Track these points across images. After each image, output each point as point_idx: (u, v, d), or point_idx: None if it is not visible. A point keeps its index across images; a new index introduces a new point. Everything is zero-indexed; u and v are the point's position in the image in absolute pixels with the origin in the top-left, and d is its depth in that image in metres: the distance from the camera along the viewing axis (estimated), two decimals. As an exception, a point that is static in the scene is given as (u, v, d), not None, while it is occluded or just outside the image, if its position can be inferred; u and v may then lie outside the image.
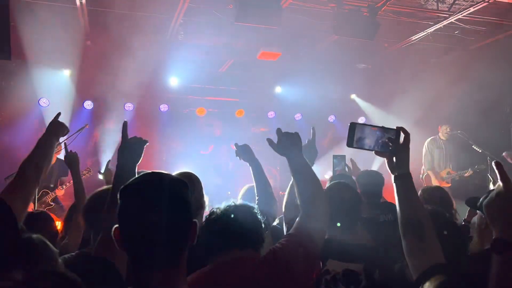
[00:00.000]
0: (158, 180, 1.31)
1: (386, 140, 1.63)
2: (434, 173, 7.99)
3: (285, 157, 2.02)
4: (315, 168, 2.05)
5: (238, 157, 2.82)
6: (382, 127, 1.67)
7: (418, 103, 9.06)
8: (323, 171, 7.12)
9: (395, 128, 1.65)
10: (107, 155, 8.50)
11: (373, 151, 1.66)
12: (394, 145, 1.62)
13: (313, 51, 8.18)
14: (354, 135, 1.67)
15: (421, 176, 8.14)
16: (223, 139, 9.67)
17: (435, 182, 7.86)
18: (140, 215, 1.24)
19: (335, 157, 3.65)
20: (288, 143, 2.03)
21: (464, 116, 8.36)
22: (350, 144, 1.67)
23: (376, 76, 9.32)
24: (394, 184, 1.63)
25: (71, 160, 3.38)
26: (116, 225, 1.28)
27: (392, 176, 1.63)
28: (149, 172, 1.38)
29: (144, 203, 1.26)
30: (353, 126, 1.67)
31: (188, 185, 1.34)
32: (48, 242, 1.79)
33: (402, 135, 1.63)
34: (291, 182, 2.21)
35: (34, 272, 0.91)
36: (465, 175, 7.71)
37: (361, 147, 1.66)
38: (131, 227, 1.26)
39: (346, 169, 3.59)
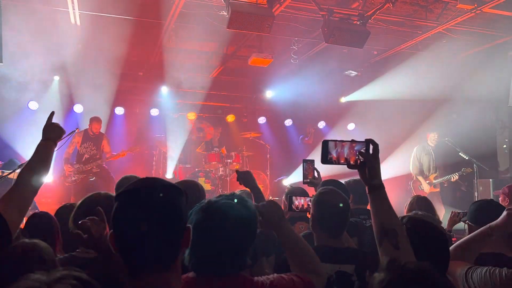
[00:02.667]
0: (152, 186, 1.33)
1: (357, 154, 1.71)
2: (424, 178, 8.10)
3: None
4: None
5: (240, 183, 2.75)
6: (352, 141, 1.74)
7: (407, 111, 9.20)
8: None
9: (364, 140, 1.73)
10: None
11: (346, 165, 1.74)
12: (365, 157, 1.69)
13: (304, 58, 8.26)
14: (328, 151, 1.74)
15: (410, 182, 8.25)
16: (213, 144, 9.67)
17: (425, 186, 7.99)
18: (133, 220, 1.27)
19: (305, 161, 3.67)
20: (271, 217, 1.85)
21: (451, 124, 8.51)
22: (324, 160, 1.75)
23: (365, 83, 9.43)
24: (368, 195, 1.70)
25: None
26: (111, 230, 1.31)
27: (366, 188, 1.70)
28: (144, 178, 1.41)
29: (138, 208, 1.28)
30: (326, 143, 1.74)
31: (182, 192, 1.37)
32: (49, 247, 1.79)
33: (371, 147, 1.71)
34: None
35: (54, 275, 0.93)
36: (452, 180, 7.82)
37: (334, 162, 1.74)
38: (124, 231, 1.29)
39: (316, 174, 3.60)
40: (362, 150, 1.71)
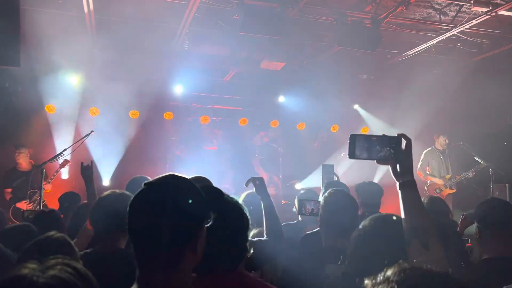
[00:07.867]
0: (165, 182, 1.34)
1: (388, 148, 1.63)
2: (438, 178, 7.97)
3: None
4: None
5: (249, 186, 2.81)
6: (383, 136, 1.66)
7: (421, 114, 9.09)
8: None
9: (396, 135, 1.65)
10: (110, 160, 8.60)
11: (375, 161, 1.66)
12: (396, 153, 1.62)
13: (317, 61, 8.26)
14: (355, 146, 1.66)
15: (425, 187, 8.12)
16: (226, 148, 9.72)
17: (441, 186, 7.86)
18: (143, 217, 1.29)
19: (324, 166, 3.72)
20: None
21: (467, 128, 8.39)
22: (351, 155, 1.66)
23: (379, 87, 9.38)
24: (399, 192, 1.62)
25: (86, 172, 3.52)
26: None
27: (397, 184, 1.63)
28: (163, 175, 1.39)
29: (148, 205, 1.30)
30: (353, 138, 1.66)
31: (195, 189, 1.35)
32: (71, 242, 1.88)
33: (403, 142, 1.63)
34: None
35: (49, 262, 0.97)
36: (470, 176, 7.66)
37: (363, 157, 1.66)
38: (135, 227, 1.31)
39: (335, 178, 3.65)
40: (394, 145, 1.63)
